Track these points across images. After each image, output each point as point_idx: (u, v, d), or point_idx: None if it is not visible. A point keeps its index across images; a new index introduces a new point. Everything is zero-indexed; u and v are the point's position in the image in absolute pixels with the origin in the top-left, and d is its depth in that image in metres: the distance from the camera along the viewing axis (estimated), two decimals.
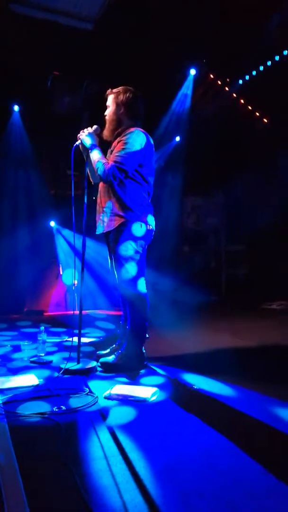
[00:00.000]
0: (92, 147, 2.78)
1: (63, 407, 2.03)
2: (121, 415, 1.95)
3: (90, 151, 2.79)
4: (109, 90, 2.92)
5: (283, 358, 3.27)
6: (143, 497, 1.22)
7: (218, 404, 2.10)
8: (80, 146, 2.85)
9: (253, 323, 5.01)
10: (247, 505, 1.19)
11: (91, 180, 2.98)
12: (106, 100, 2.94)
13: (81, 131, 2.84)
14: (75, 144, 2.82)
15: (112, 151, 2.81)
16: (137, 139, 2.73)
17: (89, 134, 2.81)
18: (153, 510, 1.16)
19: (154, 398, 2.18)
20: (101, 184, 2.88)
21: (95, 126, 2.85)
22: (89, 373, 2.67)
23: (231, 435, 1.69)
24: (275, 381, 2.57)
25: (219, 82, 6.31)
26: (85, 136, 2.81)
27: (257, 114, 6.67)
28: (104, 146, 2.89)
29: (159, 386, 2.36)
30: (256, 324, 4.92)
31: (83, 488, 1.28)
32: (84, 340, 3.71)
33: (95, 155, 2.76)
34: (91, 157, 2.79)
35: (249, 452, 1.52)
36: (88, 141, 2.80)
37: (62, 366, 2.70)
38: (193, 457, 1.51)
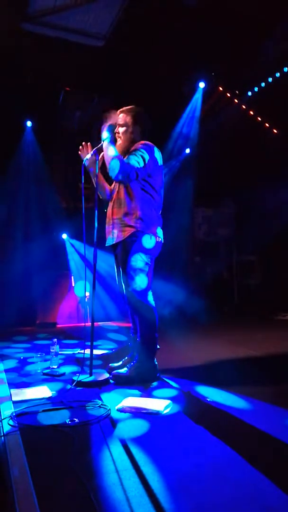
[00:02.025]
0: (108, 140, 2.78)
1: (76, 420, 2.03)
2: (134, 428, 1.94)
3: (105, 141, 2.78)
4: (123, 109, 2.97)
5: None
6: (156, 511, 1.22)
7: (231, 418, 2.08)
8: (92, 154, 2.88)
9: (267, 334, 4.96)
10: None
11: (99, 195, 3.00)
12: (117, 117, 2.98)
13: (107, 114, 2.86)
14: (86, 157, 2.87)
15: None
16: (147, 150, 2.79)
17: (111, 126, 2.82)
18: None
19: (167, 411, 2.17)
20: (114, 196, 2.91)
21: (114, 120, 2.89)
22: (101, 386, 2.67)
23: (244, 448, 1.67)
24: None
25: (228, 94, 6.35)
26: (110, 124, 2.81)
27: (267, 125, 6.69)
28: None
29: (172, 399, 2.35)
30: (270, 335, 4.87)
31: (96, 502, 1.27)
32: (96, 352, 3.73)
33: (111, 149, 2.76)
34: (104, 149, 2.79)
35: (262, 466, 1.50)
36: (109, 130, 2.80)
37: (75, 378, 2.70)
38: (205, 470, 1.49)
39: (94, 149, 2.89)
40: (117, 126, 2.93)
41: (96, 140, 2.91)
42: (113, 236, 2.86)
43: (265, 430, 1.89)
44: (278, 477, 1.42)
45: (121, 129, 2.93)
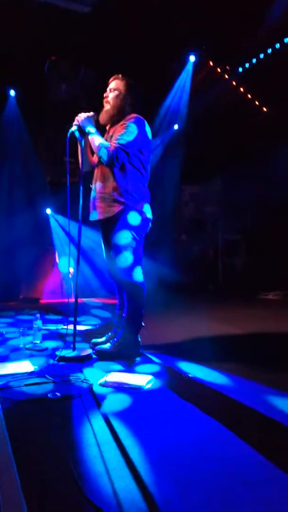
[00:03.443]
0: (92, 130, 2.74)
1: (58, 394, 2.03)
2: (116, 402, 1.95)
3: (89, 135, 2.75)
4: (118, 75, 2.87)
5: (278, 348, 3.28)
6: (136, 484, 1.23)
7: (213, 392, 2.11)
8: (77, 131, 2.80)
9: (249, 312, 5.03)
10: (242, 492, 1.19)
11: (83, 169, 2.92)
12: (109, 82, 2.88)
13: (78, 115, 2.79)
14: (70, 130, 2.78)
15: (111, 136, 2.78)
16: (138, 124, 2.72)
17: (87, 119, 2.77)
18: (146, 497, 1.16)
19: (149, 385, 2.19)
20: (98, 170, 2.85)
21: (92, 112, 2.81)
22: (84, 361, 2.68)
23: (227, 423, 1.69)
24: (270, 370, 2.58)
25: (219, 70, 6.22)
26: (83, 119, 2.76)
27: (257, 102, 6.60)
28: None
29: (154, 374, 2.37)
30: (252, 313, 4.94)
31: (77, 474, 1.28)
32: (80, 328, 3.72)
33: (96, 139, 2.71)
34: (91, 141, 2.75)
35: (245, 441, 1.53)
36: (87, 125, 2.75)
37: (58, 353, 2.70)
38: (188, 444, 1.51)
39: (90, 114, 2.79)
40: (108, 90, 2.85)
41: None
42: (99, 211, 2.80)
43: (247, 405, 1.92)
44: (261, 452, 1.44)
45: (111, 94, 2.84)
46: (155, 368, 2.54)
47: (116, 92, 2.83)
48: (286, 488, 1.22)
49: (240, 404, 1.94)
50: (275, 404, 1.92)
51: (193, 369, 2.50)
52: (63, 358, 2.65)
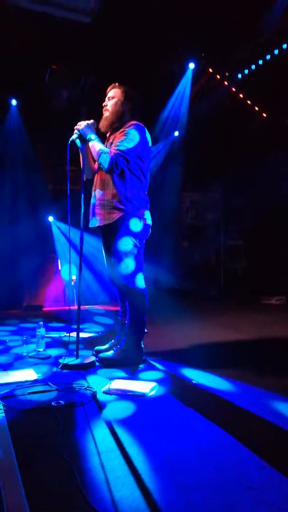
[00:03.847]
0: (93, 137, 2.76)
1: (62, 402, 2.03)
2: (119, 409, 1.95)
3: (90, 141, 2.77)
4: (115, 84, 2.91)
5: (282, 353, 3.27)
6: (141, 491, 1.22)
7: (216, 399, 2.10)
8: (78, 139, 2.82)
9: (252, 317, 5.02)
10: (244, 497, 1.19)
11: (84, 176, 2.94)
12: (107, 91, 2.92)
13: (78, 123, 2.82)
14: (71, 138, 2.80)
15: (111, 143, 2.80)
16: (138, 131, 2.74)
17: (88, 126, 2.80)
18: (150, 504, 1.16)
19: (152, 393, 2.18)
20: (98, 177, 2.86)
21: (91, 120, 2.83)
22: (87, 368, 2.68)
23: (230, 429, 1.69)
24: (274, 375, 2.57)
25: (218, 76, 6.26)
26: (84, 127, 2.78)
27: (256, 108, 6.64)
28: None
29: (158, 381, 2.36)
30: (256, 319, 4.93)
31: (81, 483, 1.28)
32: (83, 335, 3.72)
33: (97, 145, 2.73)
34: (91, 147, 2.77)
35: (247, 446, 1.53)
36: (87, 132, 2.78)
37: (61, 361, 2.70)
38: (191, 451, 1.51)
39: (90, 122, 2.81)
40: (106, 99, 2.88)
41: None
42: (99, 217, 2.81)
43: (251, 411, 1.92)
44: (264, 458, 1.44)
45: (110, 102, 2.87)
46: (158, 375, 2.54)
47: (115, 100, 2.86)
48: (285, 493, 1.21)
49: (243, 410, 1.94)
50: (279, 410, 1.91)
51: (196, 376, 2.50)
52: (66, 366, 2.65)
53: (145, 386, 2.23)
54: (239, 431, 1.68)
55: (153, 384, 2.27)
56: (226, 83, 6.30)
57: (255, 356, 3.14)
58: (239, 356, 3.16)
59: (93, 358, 2.79)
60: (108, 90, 2.91)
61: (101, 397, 2.13)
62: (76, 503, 1.17)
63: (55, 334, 3.81)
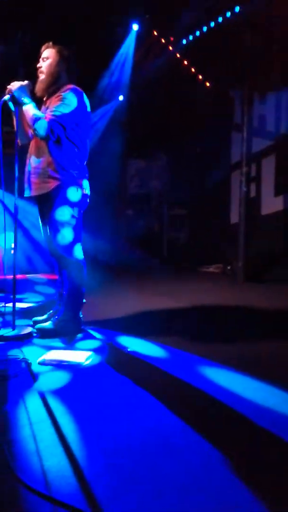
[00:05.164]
0: (26, 101, 2.61)
1: None
2: (54, 380, 1.96)
3: (23, 105, 2.62)
4: (49, 43, 2.74)
5: (216, 319, 3.44)
6: (68, 459, 1.26)
7: (149, 365, 2.18)
8: (10, 101, 2.65)
9: (190, 285, 5.20)
10: (167, 458, 1.27)
11: (19, 141, 2.80)
12: (41, 52, 2.75)
13: (11, 84, 2.65)
14: (3, 99, 2.63)
15: (47, 108, 2.68)
16: (75, 96, 2.63)
17: (22, 88, 2.63)
18: (77, 472, 1.20)
19: (88, 362, 2.22)
20: (33, 143, 2.74)
21: (26, 81, 2.67)
22: (24, 339, 2.65)
23: (160, 395, 1.77)
24: (205, 341, 2.71)
25: (163, 41, 6.11)
26: (17, 88, 2.62)
27: (200, 77, 6.61)
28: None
29: (95, 350, 2.40)
30: (193, 287, 5.11)
31: (10, 454, 1.29)
32: (22, 305, 3.67)
33: (31, 110, 2.59)
34: (25, 112, 2.63)
35: (171, 410, 1.61)
36: (21, 95, 2.62)
37: None
38: (120, 418, 1.57)
39: (25, 83, 2.64)
40: (41, 61, 2.72)
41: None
42: (34, 187, 2.71)
43: (178, 376, 2.01)
44: (185, 421, 1.53)
45: (44, 63, 2.71)
46: (95, 344, 2.58)
47: (50, 60, 2.71)
48: (205, 452, 1.31)
49: (171, 375, 2.03)
50: (205, 374, 2.03)
51: (133, 343, 2.56)
52: (2, 337, 2.61)
53: (81, 355, 2.26)
54: (168, 397, 1.77)
55: (89, 353, 2.31)
56: (170, 48, 6.17)
57: (190, 323, 3.28)
58: (174, 323, 3.28)
59: (30, 329, 2.77)
60: (42, 50, 2.75)
61: (36, 368, 2.13)
62: (2, 475, 1.19)
63: None
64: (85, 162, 2.83)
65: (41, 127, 2.54)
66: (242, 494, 1.10)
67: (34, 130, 2.58)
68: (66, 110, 2.58)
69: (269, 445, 1.39)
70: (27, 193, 2.76)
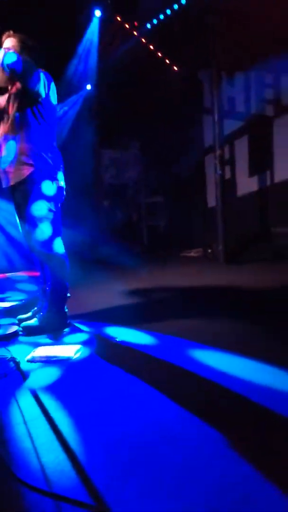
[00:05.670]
0: None
1: None
2: (44, 376, 1.94)
3: None
4: (9, 32, 2.65)
5: (200, 302, 3.47)
6: (66, 454, 1.25)
7: (139, 353, 2.18)
8: None
9: (173, 271, 5.22)
10: (163, 447, 1.27)
11: None
12: (2, 41, 2.65)
13: None
14: None
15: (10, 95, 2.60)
16: (36, 74, 2.55)
17: None
18: (76, 466, 1.19)
19: (77, 355, 2.21)
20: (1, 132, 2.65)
21: None
22: (10, 338, 2.61)
23: (153, 382, 1.77)
24: (192, 324, 2.72)
25: (127, 26, 6.01)
26: None
27: (167, 61, 6.55)
28: None
29: (83, 343, 2.39)
30: (176, 271, 5.14)
31: (5, 453, 1.27)
32: (5, 305, 3.61)
33: None
34: None
35: (170, 397, 1.62)
36: None
37: None
38: (115, 407, 1.57)
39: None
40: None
41: None
42: (9, 176, 2.63)
43: (168, 360, 2.02)
44: (183, 406, 1.54)
45: None
46: (83, 337, 2.56)
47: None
48: (204, 438, 1.32)
49: (162, 361, 2.04)
50: (195, 356, 2.04)
51: (121, 333, 2.56)
52: None
53: (70, 349, 2.24)
54: (161, 382, 1.77)
55: (78, 346, 2.29)
56: (135, 33, 6.08)
57: (174, 308, 3.29)
58: (159, 309, 3.29)
59: (15, 328, 2.73)
60: (2, 40, 2.65)
61: (25, 366, 2.10)
62: (2, 475, 1.17)
63: None
64: (55, 142, 2.75)
65: (8, 57, 2.41)
66: (244, 479, 1.11)
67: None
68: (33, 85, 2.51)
69: (272, 429, 1.39)
70: (5, 183, 2.68)
